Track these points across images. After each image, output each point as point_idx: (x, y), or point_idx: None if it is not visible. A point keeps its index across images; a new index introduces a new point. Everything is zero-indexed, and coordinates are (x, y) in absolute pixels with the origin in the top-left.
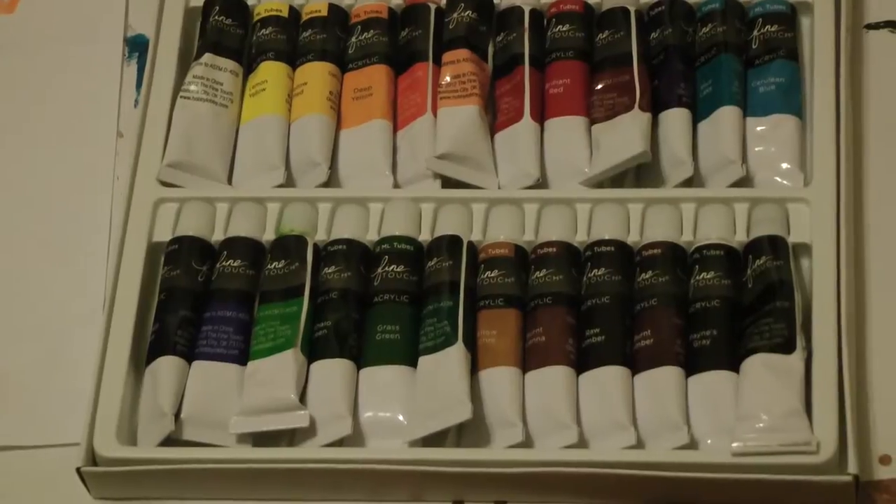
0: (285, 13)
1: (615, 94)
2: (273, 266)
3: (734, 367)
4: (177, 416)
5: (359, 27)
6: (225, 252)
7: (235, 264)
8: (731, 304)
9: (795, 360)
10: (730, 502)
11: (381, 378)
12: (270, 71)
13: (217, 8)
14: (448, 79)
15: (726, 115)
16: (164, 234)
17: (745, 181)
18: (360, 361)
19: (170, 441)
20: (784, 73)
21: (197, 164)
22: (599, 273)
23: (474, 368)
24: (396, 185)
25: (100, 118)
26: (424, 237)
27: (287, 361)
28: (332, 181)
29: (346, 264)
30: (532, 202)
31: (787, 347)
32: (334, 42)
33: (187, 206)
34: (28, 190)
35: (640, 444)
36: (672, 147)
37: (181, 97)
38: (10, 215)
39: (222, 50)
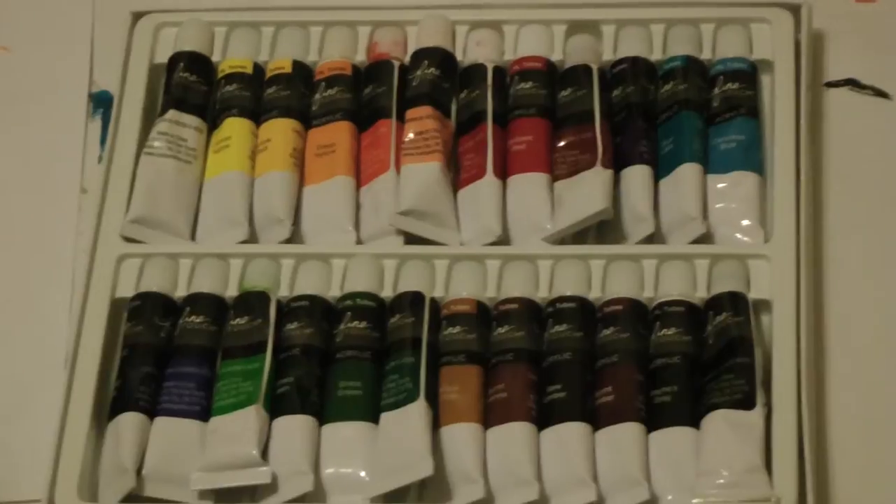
0: (249, 70)
1: (577, 151)
2: (236, 322)
3: (695, 423)
4: (139, 472)
5: (323, 84)
6: (188, 308)
7: (198, 320)
8: (692, 361)
9: (756, 415)
10: None
11: (343, 434)
12: (234, 127)
13: (181, 64)
14: (411, 135)
15: (687, 172)
16: (127, 290)
17: (705, 238)
18: (323, 418)
19: (131, 497)
20: (745, 130)
21: (160, 220)
22: (561, 329)
23: (436, 424)
24: (359, 242)
25: (63, 173)
26: (387, 293)
27: (249, 418)
28: (295, 237)
29: (309, 320)
30: (494, 258)
31: (747, 403)
32: (298, 99)
33: (150, 261)
34: None
35: (600, 501)
36: (633, 204)
37: (145, 153)
38: None
39: (186, 106)
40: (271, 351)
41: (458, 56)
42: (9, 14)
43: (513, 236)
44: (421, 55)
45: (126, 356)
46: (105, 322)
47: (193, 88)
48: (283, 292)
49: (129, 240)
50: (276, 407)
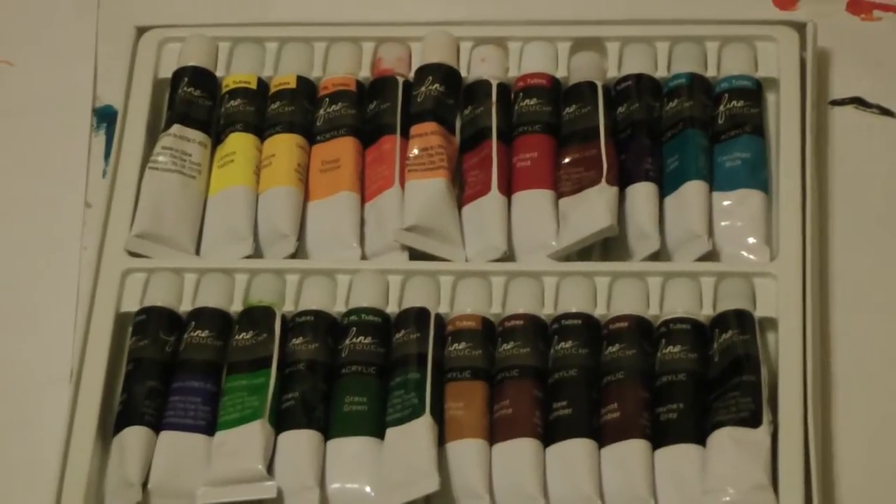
0: (254, 85)
1: (582, 168)
2: (241, 337)
3: (701, 440)
4: (144, 486)
5: (327, 99)
6: (193, 323)
7: (203, 335)
8: (698, 378)
9: (762, 433)
10: None
11: (349, 449)
12: (239, 142)
13: (186, 79)
14: (416, 151)
15: (692, 190)
16: (132, 305)
17: (711, 255)
18: (328, 433)
19: None
20: (750, 148)
21: (165, 235)
22: (566, 346)
23: (441, 440)
24: (364, 257)
25: (68, 188)
26: (392, 309)
27: (254, 432)
28: (299, 253)
29: (314, 335)
30: (499, 275)
31: (753, 421)
32: (302, 114)
33: (155, 276)
34: None
35: None
36: (638, 221)
37: (149, 168)
38: None
39: (191, 121)
40: (276, 366)
41: (463, 72)
42: (13, 29)
43: (518, 253)
44: (425, 71)
45: (131, 370)
46: (110, 336)
47: (197, 103)
48: (288, 307)
49: (133, 254)
50: (282, 421)
